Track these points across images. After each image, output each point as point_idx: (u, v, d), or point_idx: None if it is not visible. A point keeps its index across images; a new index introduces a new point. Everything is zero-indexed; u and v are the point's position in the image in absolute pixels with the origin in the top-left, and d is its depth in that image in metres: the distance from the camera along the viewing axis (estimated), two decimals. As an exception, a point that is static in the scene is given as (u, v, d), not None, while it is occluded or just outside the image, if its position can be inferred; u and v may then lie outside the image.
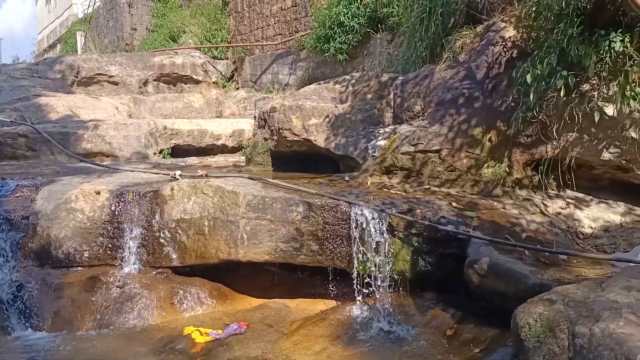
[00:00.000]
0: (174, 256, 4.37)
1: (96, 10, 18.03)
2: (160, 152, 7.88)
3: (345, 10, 8.58)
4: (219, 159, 8.52)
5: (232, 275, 4.62)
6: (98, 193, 4.59)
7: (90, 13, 18.96)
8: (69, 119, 8.01)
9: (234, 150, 9.03)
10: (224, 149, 8.90)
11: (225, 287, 4.59)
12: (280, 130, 5.90)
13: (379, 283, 3.98)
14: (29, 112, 7.98)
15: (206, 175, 4.99)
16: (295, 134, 5.76)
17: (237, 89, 12.12)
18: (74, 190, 4.63)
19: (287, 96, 9.69)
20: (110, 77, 11.16)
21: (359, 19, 8.49)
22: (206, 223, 4.33)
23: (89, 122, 7.64)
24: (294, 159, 6.11)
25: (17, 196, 4.98)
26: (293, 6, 10.56)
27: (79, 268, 4.41)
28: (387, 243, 3.99)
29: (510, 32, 4.64)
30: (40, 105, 8.19)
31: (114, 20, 15.87)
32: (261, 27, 11.63)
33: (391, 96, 5.62)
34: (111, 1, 15.97)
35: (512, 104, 4.35)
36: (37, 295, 4.13)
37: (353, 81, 6.04)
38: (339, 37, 8.77)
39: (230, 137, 8.92)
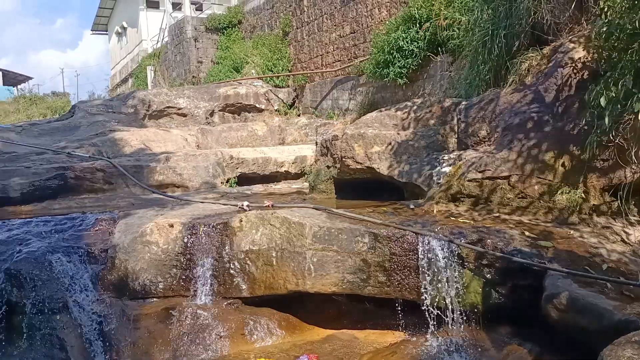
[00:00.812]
0: (244, 287, 4.46)
1: (164, 45, 19.02)
2: (227, 181, 8.13)
3: (404, 35, 8.60)
4: (283, 186, 8.68)
5: (299, 306, 4.64)
6: (171, 226, 4.78)
7: (159, 48, 20.03)
8: (142, 152, 8.43)
9: (296, 176, 9.18)
10: (287, 176, 9.07)
11: (294, 317, 4.62)
12: (343, 159, 5.94)
13: (450, 316, 3.89)
14: (105, 147, 8.47)
15: (272, 206, 5.09)
16: (357, 162, 5.77)
17: (299, 115, 12.35)
18: (149, 223, 4.84)
19: (347, 122, 9.78)
20: (179, 109, 11.70)
21: (418, 43, 8.49)
22: (274, 254, 4.40)
23: (160, 154, 8.01)
24: (357, 186, 6.12)
25: (97, 230, 5.27)
26: (352, 33, 10.70)
27: (154, 299, 4.59)
28: (456, 274, 3.90)
29: (579, 53, 4.49)
30: (116, 140, 8.68)
31: (181, 54, 16.66)
32: (321, 55, 11.84)
33: (454, 121, 5.53)
34: (179, 36, 16.80)
35: (586, 127, 4.18)
36: (116, 327, 4.32)
37: (415, 107, 6.02)
38: (398, 61, 8.78)
39: (292, 163, 9.09)
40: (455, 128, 5.51)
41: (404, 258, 4.08)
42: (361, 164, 5.76)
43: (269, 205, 5.11)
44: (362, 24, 10.39)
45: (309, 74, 12.33)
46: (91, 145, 8.45)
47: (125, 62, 26.45)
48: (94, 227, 5.30)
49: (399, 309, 4.23)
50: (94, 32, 32.37)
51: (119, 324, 4.34)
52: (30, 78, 34.42)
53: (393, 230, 4.18)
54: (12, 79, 33.21)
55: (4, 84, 31.74)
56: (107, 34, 31.74)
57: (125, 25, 27.16)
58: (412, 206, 5.04)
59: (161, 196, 7.00)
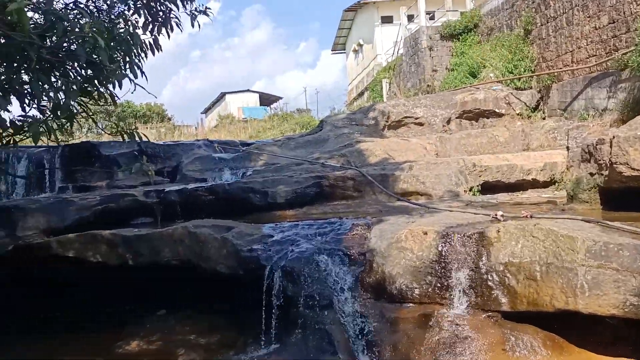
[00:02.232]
0: (504, 300, 4.25)
1: (399, 57, 19.64)
2: (470, 189, 7.93)
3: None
4: (531, 195, 8.11)
5: (564, 325, 4.24)
6: (425, 233, 4.84)
7: (393, 61, 20.77)
8: (385, 161, 8.80)
9: (545, 184, 8.48)
10: (534, 184, 8.44)
11: (560, 337, 4.23)
12: (613, 165, 5.25)
13: None
14: (352, 157, 9.07)
15: (530, 217, 4.77)
16: (634, 169, 5.04)
17: (544, 118, 11.42)
18: (403, 230, 4.98)
19: (606, 123, 8.66)
20: (416, 118, 11.90)
21: None
22: (537, 268, 4.09)
23: (403, 163, 8.23)
24: (631, 196, 5.34)
25: (354, 234, 5.65)
26: (610, 23, 9.47)
27: (410, 304, 4.69)
28: None
29: None
30: (362, 150, 9.22)
31: (416, 64, 16.97)
32: (570, 51, 10.76)
33: None
34: (413, 47, 17.17)
35: None
36: (376, 328, 4.54)
37: None
38: (677, 49, 7.44)
39: (541, 171, 8.42)
40: None
41: None
42: (638, 170, 5.01)
43: (527, 216, 4.80)
44: (623, 12, 9.11)
45: (556, 73, 11.32)
46: (340, 156, 9.13)
47: (361, 77, 28.12)
48: (350, 231, 5.69)
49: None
50: (334, 52, 35.29)
51: (378, 325, 4.55)
52: (280, 98, 39.17)
53: (692, 248, 3.52)
54: (266, 99, 38.27)
55: (260, 104, 36.79)
56: (344, 53, 34.26)
57: (362, 42, 28.91)
58: None
59: (407, 204, 7.18)
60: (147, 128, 22.64)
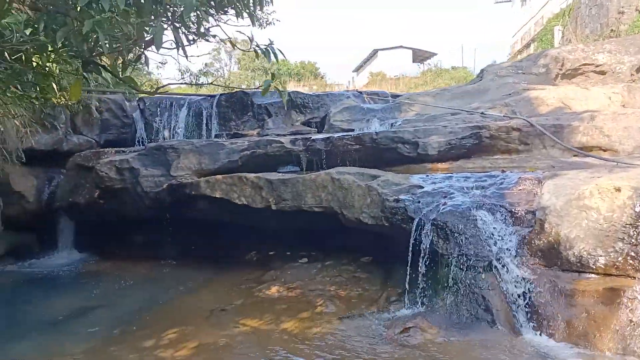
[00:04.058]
0: None
1: (577, 1, 17.13)
2: (671, 146, 6.42)
3: None
4: None
5: None
6: (618, 190, 3.84)
7: (569, 5, 18.22)
8: (559, 111, 7.55)
9: None
10: None
11: None
12: None
13: None
14: (518, 107, 7.94)
15: None
16: None
17: None
18: (587, 185, 4.04)
19: None
20: (597, 66, 10.13)
21: None
22: None
23: (583, 113, 6.96)
24: None
25: (520, 189, 4.80)
26: None
27: (592, 275, 3.79)
28: None
29: None
30: (530, 98, 8.04)
31: (598, 6, 14.59)
32: None
33: None
34: (595, -14, 14.76)
35: None
36: (546, 299, 3.75)
37: None
38: None
39: None
40: None
41: None
42: None
43: None
44: None
45: None
46: (503, 105, 8.07)
47: (528, 27, 25.39)
48: (516, 185, 4.85)
49: None
50: (497, 1, 32.36)
51: (549, 296, 3.76)
52: (434, 54, 37.16)
53: None
54: (420, 55, 36.65)
55: (413, 61, 35.39)
56: (509, 1, 31.19)
57: (530, -12, 25.99)
58: None
59: (585, 160, 6.03)
60: (300, 85, 23.04)
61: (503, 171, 5.50)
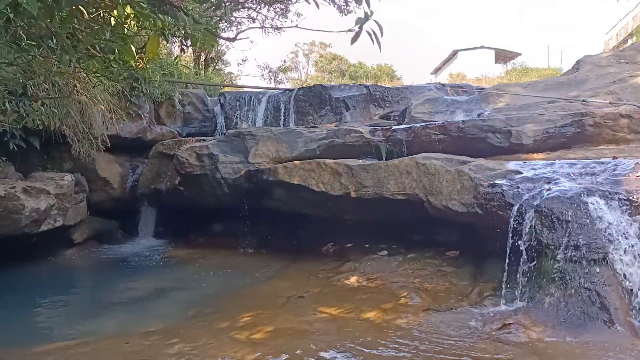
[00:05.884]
0: None
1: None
2: None
3: None
4: None
5: None
6: None
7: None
8: (674, 98, 6.71)
9: None
10: None
11: None
12: None
13: None
14: (625, 94, 7.17)
15: None
16: None
17: None
18: None
19: None
20: None
21: None
22: None
23: None
24: None
25: (638, 176, 4.20)
26: None
27: None
28: None
29: None
30: (639, 85, 7.23)
31: None
32: None
33: None
34: None
35: None
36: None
37: None
38: None
39: None
40: None
41: None
42: None
43: None
44: None
45: None
46: (608, 93, 7.32)
47: (624, 22, 23.56)
48: (633, 172, 4.24)
49: None
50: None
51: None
52: (518, 54, 35.42)
53: None
54: (503, 56, 35.04)
55: (495, 62, 33.87)
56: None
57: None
58: None
59: None
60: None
61: (615, 157, 4.88)
